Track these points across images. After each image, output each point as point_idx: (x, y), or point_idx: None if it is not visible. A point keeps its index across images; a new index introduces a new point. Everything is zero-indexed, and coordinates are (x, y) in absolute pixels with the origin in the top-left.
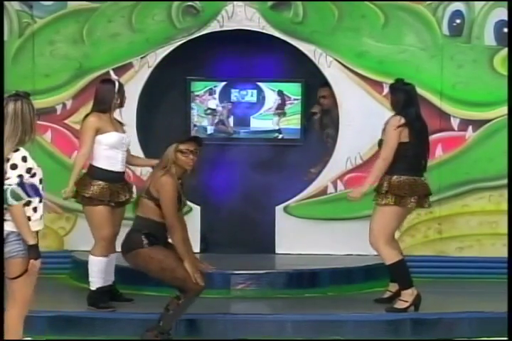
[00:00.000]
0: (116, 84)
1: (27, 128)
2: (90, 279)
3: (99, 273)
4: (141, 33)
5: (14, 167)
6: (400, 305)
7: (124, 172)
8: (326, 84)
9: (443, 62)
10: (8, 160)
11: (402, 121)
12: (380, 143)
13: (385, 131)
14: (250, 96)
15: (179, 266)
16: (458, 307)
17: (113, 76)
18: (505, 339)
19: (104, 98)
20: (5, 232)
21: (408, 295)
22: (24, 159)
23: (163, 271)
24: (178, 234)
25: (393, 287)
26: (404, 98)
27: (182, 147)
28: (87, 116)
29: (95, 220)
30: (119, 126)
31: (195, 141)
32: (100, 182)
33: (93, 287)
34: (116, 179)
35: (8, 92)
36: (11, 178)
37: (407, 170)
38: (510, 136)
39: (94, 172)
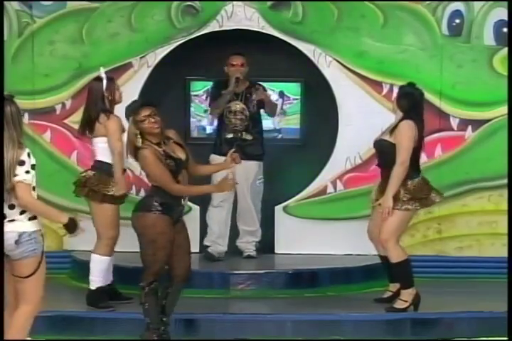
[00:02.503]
0: (104, 81)
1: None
2: (91, 278)
3: (101, 272)
4: (140, 32)
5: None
6: (399, 304)
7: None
8: (238, 53)
9: (442, 62)
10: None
11: (415, 127)
12: (377, 144)
13: (399, 136)
14: None
15: (165, 249)
16: (457, 307)
17: (101, 73)
18: (505, 339)
19: (96, 99)
20: (16, 233)
21: (408, 295)
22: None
23: (152, 242)
24: (189, 191)
25: (393, 287)
26: (412, 102)
27: (138, 117)
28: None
29: (108, 219)
30: None
31: (146, 106)
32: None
33: (93, 286)
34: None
35: (8, 92)
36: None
37: (415, 172)
38: (510, 136)
39: (111, 170)
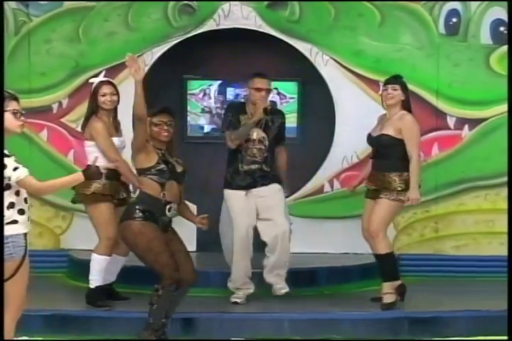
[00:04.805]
0: (93, 85)
1: None
2: (90, 277)
3: (100, 271)
4: (137, 31)
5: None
6: (389, 298)
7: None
8: (261, 75)
9: (439, 60)
10: None
11: None
12: (377, 139)
13: (409, 132)
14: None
15: (165, 252)
16: (454, 305)
17: (98, 77)
18: (504, 338)
19: (89, 101)
20: None
21: (390, 287)
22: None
23: (148, 250)
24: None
25: None
26: (408, 94)
27: (155, 119)
28: (87, 120)
29: (100, 219)
30: (117, 128)
31: (167, 113)
32: (100, 179)
33: (92, 285)
34: (113, 176)
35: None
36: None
37: (408, 166)
38: (510, 134)
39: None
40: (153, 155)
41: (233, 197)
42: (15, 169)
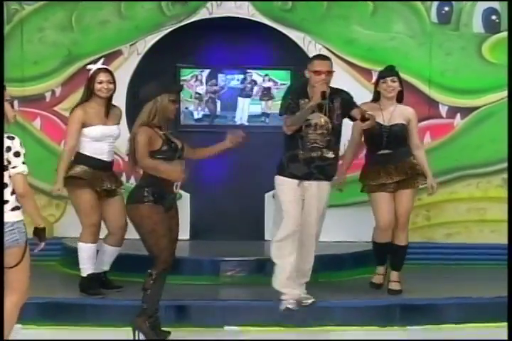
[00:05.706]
0: (90, 72)
1: None
2: (81, 266)
3: (89, 259)
4: (130, 20)
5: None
6: (398, 286)
7: (110, 163)
8: (323, 57)
9: (431, 49)
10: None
11: None
12: (395, 129)
13: (415, 120)
14: (237, 82)
15: (166, 236)
16: (446, 293)
17: (96, 64)
18: (495, 325)
19: (84, 88)
20: None
21: (399, 275)
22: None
23: (151, 232)
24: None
25: (383, 269)
26: (402, 84)
27: (172, 97)
28: (75, 107)
29: (82, 206)
30: (111, 117)
31: (177, 91)
32: (83, 166)
33: (83, 273)
34: (100, 167)
35: None
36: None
37: None
38: (510, 122)
39: (78, 158)
40: (157, 139)
41: (286, 185)
42: (23, 162)
